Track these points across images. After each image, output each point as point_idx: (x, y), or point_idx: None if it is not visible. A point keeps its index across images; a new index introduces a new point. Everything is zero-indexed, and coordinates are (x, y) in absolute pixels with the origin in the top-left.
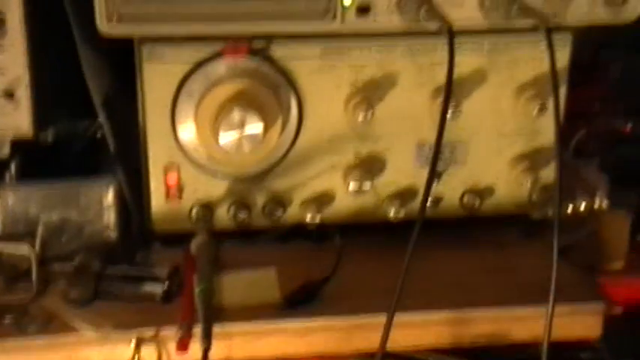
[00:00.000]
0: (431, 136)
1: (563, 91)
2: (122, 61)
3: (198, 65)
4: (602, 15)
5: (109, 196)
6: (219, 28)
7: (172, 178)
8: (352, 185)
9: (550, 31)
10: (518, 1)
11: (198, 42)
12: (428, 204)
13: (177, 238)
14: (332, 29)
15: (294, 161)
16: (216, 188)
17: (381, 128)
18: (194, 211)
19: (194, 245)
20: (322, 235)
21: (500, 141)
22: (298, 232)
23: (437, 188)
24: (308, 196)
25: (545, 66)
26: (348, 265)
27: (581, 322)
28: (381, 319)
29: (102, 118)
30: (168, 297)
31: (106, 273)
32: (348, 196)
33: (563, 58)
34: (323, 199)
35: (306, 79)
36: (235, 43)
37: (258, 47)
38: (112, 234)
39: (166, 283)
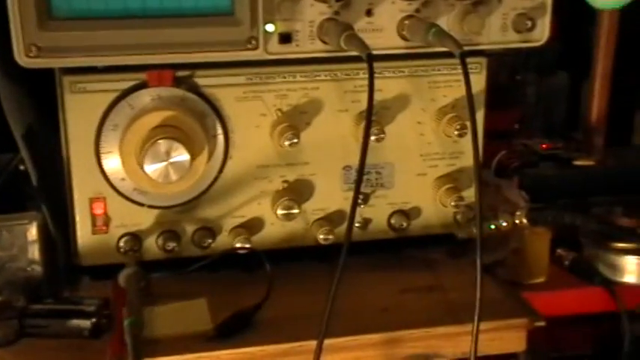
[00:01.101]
0: (357, 160)
1: (481, 113)
2: (43, 92)
3: (122, 95)
4: (513, 39)
5: (33, 231)
6: (141, 58)
7: (98, 209)
8: (281, 211)
9: (464, 56)
10: (435, 27)
11: (122, 72)
12: (356, 226)
13: (106, 271)
14: (255, 57)
15: (222, 189)
16: (144, 218)
17: (308, 154)
18: (122, 242)
19: (123, 277)
20: (253, 262)
21: (425, 163)
22: (228, 259)
23: (365, 210)
24: (237, 223)
25: (463, 89)
26: (279, 291)
27: (507, 337)
28: (312, 345)
29: (23, 151)
30: (97, 332)
31: (32, 309)
32: (277, 222)
33: (479, 81)
34: (252, 226)
35: (232, 107)
36: (159, 72)
37: (182, 76)
38: (37, 269)
39: (95, 317)
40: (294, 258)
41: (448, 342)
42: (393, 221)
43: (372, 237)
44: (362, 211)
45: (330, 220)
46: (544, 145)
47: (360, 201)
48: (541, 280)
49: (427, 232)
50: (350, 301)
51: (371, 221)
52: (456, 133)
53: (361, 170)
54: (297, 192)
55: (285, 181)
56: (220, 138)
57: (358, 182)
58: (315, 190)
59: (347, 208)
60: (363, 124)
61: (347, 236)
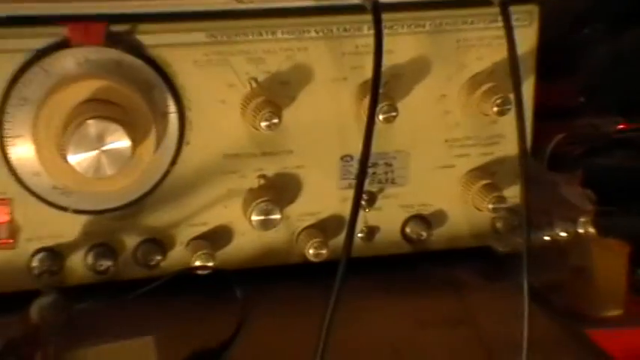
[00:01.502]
0: (359, 148)
1: (530, 82)
2: None
3: (35, 58)
4: None
5: None
6: (61, 5)
7: (1, 216)
8: (256, 217)
9: (507, 3)
10: None
11: (34, 25)
12: (358, 237)
13: (13, 301)
14: (221, 6)
15: (176, 187)
16: (66, 228)
17: (293, 139)
18: (35, 260)
19: (36, 309)
20: (218, 285)
21: (451, 151)
22: (185, 282)
23: (371, 216)
24: (196, 234)
25: (504, 49)
26: (254, 324)
27: None
28: None
29: None
30: None
31: None
32: (251, 232)
33: (528, 37)
34: (217, 237)
35: (188, 75)
36: (86, 25)
37: (118, 32)
38: None
39: None
40: (274, 280)
41: None
42: (408, 230)
43: (379, 251)
44: (366, 217)
45: (324, 228)
46: (619, 126)
47: (363, 203)
48: (615, 312)
49: (454, 244)
50: (349, 338)
51: (378, 230)
52: (494, 110)
53: (365, 161)
54: (279, 191)
55: (261, 177)
56: (173, 117)
57: (361, 178)
58: (303, 188)
59: (346, 212)
60: (367, 99)
61: (345, 250)
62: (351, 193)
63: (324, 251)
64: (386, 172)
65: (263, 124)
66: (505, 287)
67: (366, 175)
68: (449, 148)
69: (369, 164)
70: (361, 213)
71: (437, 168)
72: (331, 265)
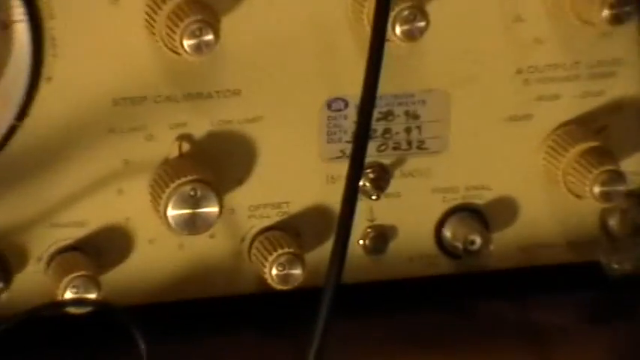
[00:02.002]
0: (357, 85)
1: None
2: None
3: None
4: None
5: None
6: None
7: None
8: (173, 211)
9: None
10: None
11: None
12: (359, 245)
13: None
14: None
15: (28, 158)
16: None
17: (240, 71)
18: None
19: None
20: (105, 331)
21: (525, 90)
22: (46, 328)
23: (381, 209)
24: (66, 242)
25: None
26: None
27: None
28: None
29: None
30: None
31: None
32: (166, 239)
33: None
34: (104, 249)
35: None
36: None
37: None
38: None
39: None
40: (206, 323)
41: None
42: (448, 234)
43: (397, 273)
44: (373, 210)
45: (295, 231)
46: None
47: (366, 185)
48: None
49: (531, 260)
50: None
51: (395, 233)
52: (604, 14)
53: (368, 109)
54: (215, 164)
55: (184, 138)
56: (21, 31)
57: (361, 138)
58: (259, 159)
59: (335, 201)
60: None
61: (333, 271)
62: (342, 167)
63: (296, 271)
64: (408, 130)
65: (187, 42)
66: (617, 333)
67: (369, 133)
68: (522, 84)
69: (378, 114)
70: (364, 203)
71: (500, 121)
72: (309, 297)
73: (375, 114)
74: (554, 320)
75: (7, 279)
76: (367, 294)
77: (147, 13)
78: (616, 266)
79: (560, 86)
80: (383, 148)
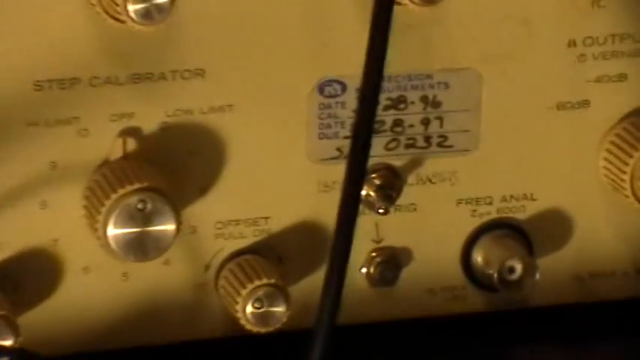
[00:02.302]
0: (357, 62)
1: None
2: None
3: None
4: None
5: None
6: None
7: None
8: (115, 231)
9: None
10: None
11: None
12: (362, 275)
13: None
14: None
15: None
16: None
17: (204, 44)
18: None
19: None
20: None
21: (580, 69)
22: None
23: (389, 225)
24: None
25: None
26: None
27: None
28: None
29: None
30: None
31: None
32: (108, 268)
33: None
34: (23, 283)
35: None
36: None
37: None
38: None
39: None
40: None
41: None
42: (478, 259)
43: (413, 311)
44: (379, 227)
45: (277, 254)
46: None
47: (371, 195)
48: None
49: (591, 294)
50: None
51: (409, 257)
52: None
53: (371, 92)
54: (172, 167)
55: (130, 133)
56: None
57: (363, 135)
58: (229, 159)
59: (328, 215)
60: None
61: (326, 309)
62: (339, 170)
63: (278, 309)
64: (426, 122)
65: (134, 7)
66: None
67: (373, 124)
68: (576, 61)
69: (386, 100)
70: (368, 219)
71: (547, 110)
72: (294, 343)
73: (383, 100)
74: None
75: None
76: (372, 338)
77: None
78: None
79: (626, 63)
80: (393, 145)
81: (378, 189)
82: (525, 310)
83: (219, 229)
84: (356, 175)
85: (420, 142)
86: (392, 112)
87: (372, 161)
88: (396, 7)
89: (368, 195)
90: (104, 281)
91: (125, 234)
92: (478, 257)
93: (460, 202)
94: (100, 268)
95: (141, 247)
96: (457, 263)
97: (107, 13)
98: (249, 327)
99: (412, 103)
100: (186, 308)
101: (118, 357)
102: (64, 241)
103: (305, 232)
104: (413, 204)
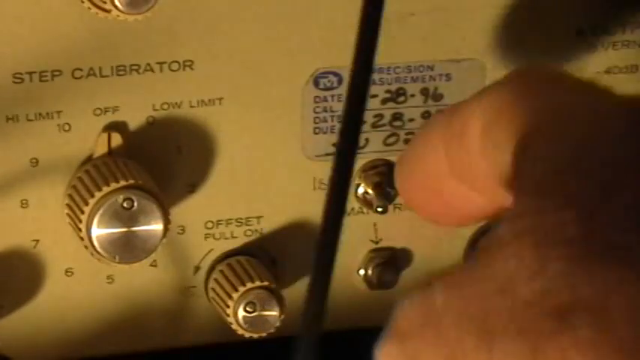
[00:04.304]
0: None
1: None
2: None
3: None
4: None
5: None
6: None
7: None
8: (100, 232)
9: None
10: None
11: None
12: (358, 279)
13: None
14: None
15: None
16: None
17: (194, 40)
18: None
19: None
20: None
21: (587, 61)
22: None
23: (388, 224)
24: None
25: None
26: None
27: None
28: None
29: None
30: None
31: None
32: (87, 271)
33: None
34: (1, 286)
35: None
36: None
37: None
38: None
39: None
40: None
41: None
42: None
43: None
44: (377, 225)
45: (271, 255)
46: None
47: (368, 192)
48: None
49: None
50: None
51: (408, 258)
52: None
53: (361, 82)
54: (154, 167)
55: (115, 128)
56: None
57: (351, 126)
58: (218, 157)
59: (317, 215)
60: None
61: (311, 315)
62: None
63: (272, 313)
64: (427, 115)
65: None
66: None
67: (361, 117)
68: (586, 50)
69: (385, 93)
70: (366, 218)
71: None
72: (289, 349)
73: (382, 92)
74: None
75: None
76: (370, 344)
77: None
78: None
79: (637, 54)
80: (392, 140)
81: (377, 186)
82: None
83: (210, 229)
84: (342, 170)
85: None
86: (391, 104)
87: (370, 157)
88: None
89: (366, 193)
90: (88, 284)
91: (110, 234)
92: None
93: None
94: (84, 270)
95: (127, 248)
96: (459, 264)
97: (91, 1)
98: (240, 332)
99: (412, 95)
100: (175, 313)
101: None
102: (45, 241)
103: (299, 232)
104: None
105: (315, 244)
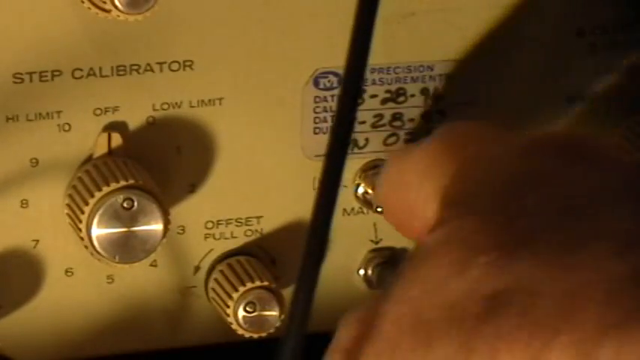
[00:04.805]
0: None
1: None
2: None
3: None
4: None
5: None
6: None
7: None
8: (100, 232)
9: None
10: None
11: None
12: (358, 279)
13: None
14: None
15: None
16: None
17: (194, 40)
18: None
19: None
20: None
21: (588, 62)
22: None
23: (388, 229)
24: None
25: None
26: None
27: None
28: None
29: None
30: None
31: None
32: (87, 272)
33: None
34: (1, 286)
35: None
36: None
37: None
38: None
39: None
40: None
41: None
42: None
43: None
44: (378, 227)
45: (270, 255)
46: None
47: (368, 193)
48: None
49: None
50: None
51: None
52: None
53: (354, 78)
54: (154, 167)
55: (115, 127)
56: None
57: (344, 125)
58: (218, 157)
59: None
60: None
61: (293, 321)
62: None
63: (272, 312)
64: (427, 116)
65: None
66: None
67: (354, 113)
68: (587, 51)
69: (384, 93)
70: (366, 218)
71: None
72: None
73: (382, 92)
74: None
75: None
76: None
77: None
78: None
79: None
80: (392, 141)
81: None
82: None
83: (210, 228)
84: (333, 167)
85: (421, 138)
86: (391, 104)
87: (369, 157)
88: None
89: (366, 193)
90: (88, 284)
91: (110, 234)
92: None
93: None
94: (84, 270)
95: (127, 248)
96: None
97: (91, 1)
98: (240, 332)
99: (412, 95)
100: (175, 313)
101: None
102: (45, 241)
103: (300, 232)
104: None
105: (306, 238)
